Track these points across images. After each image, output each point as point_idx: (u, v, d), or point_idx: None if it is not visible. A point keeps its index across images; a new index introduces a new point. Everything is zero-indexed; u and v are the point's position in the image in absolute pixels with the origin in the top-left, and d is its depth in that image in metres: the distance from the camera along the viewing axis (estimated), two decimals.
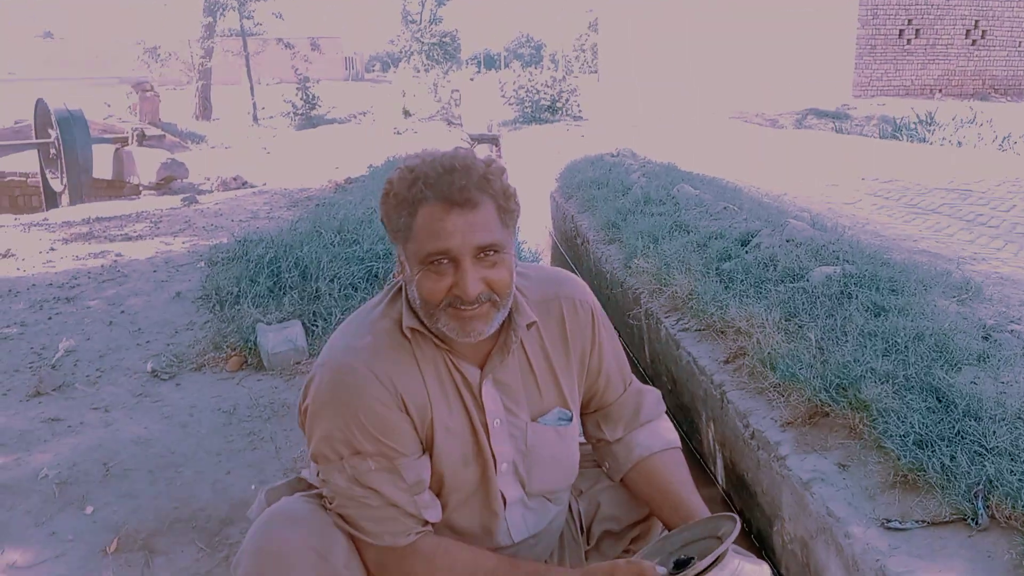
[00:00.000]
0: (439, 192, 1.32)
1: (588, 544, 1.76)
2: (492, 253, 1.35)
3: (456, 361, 1.45)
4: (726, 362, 3.32)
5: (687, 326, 3.83)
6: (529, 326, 1.50)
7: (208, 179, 10.62)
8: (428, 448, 1.45)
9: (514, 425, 1.50)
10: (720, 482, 3.24)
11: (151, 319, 4.33)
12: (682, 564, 1.28)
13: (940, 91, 20.12)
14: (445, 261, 1.34)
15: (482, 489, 1.50)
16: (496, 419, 1.48)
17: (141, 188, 10.56)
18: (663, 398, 1.77)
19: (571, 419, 1.57)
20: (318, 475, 1.46)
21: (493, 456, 1.48)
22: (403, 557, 1.41)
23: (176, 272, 5.26)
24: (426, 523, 1.44)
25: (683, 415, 3.75)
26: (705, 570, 1.25)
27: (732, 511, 2.67)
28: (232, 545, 2.39)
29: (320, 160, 12.20)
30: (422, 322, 1.42)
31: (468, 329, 1.37)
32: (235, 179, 10.12)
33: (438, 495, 1.48)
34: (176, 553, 2.36)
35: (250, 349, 3.65)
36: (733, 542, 1.28)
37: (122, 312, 4.48)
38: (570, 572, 1.38)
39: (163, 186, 10.22)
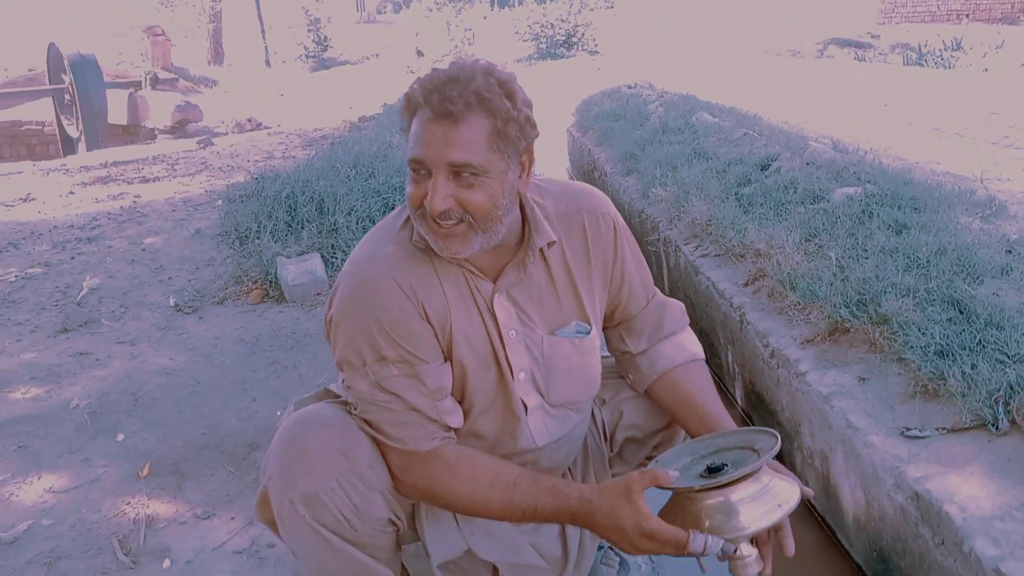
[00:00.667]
0: (429, 100, 1.30)
1: (611, 451, 1.78)
2: (469, 174, 1.31)
3: (470, 275, 1.46)
4: (745, 285, 3.30)
5: (706, 252, 3.81)
6: (550, 245, 1.50)
7: (223, 122, 10.59)
8: (448, 356, 1.46)
9: (529, 337, 1.51)
10: (739, 403, 3.26)
11: (172, 256, 4.37)
12: (715, 470, 1.27)
13: (967, 16, 19.50)
14: (423, 171, 1.32)
15: (502, 395, 1.51)
16: (511, 330, 1.49)
17: (156, 132, 10.56)
18: None
19: (589, 332, 1.57)
20: (343, 382, 1.48)
21: (509, 365, 1.49)
22: (426, 462, 1.43)
23: (195, 211, 5.28)
24: (448, 429, 1.46)
25: (702, 340, 3.74)
26: (738, 480, 1.23)
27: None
28: (260, 468, 2.45)
29: (334, 101, 12.13)
30: None
31: (443, 246, 1.36)
32: (250, 121, 10.09)
33: (460, 402, 1.50)
34: (206, 476, 2.42)
35: (271, 282, 3.68)
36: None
37: (143, 250, 4.52)
38: (588, 488, 1.38)
39: (178, 129, 10.21)
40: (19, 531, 2.17)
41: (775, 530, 1.33)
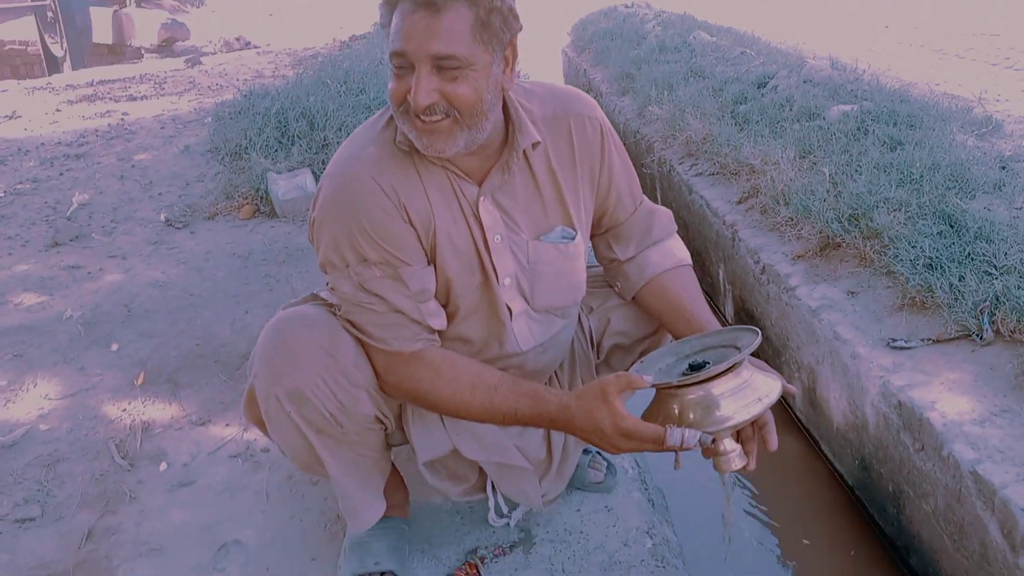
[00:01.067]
0: None
1: (598, 358, 1.79)
2: (454, 67, 1.27)
3: (455, 177, 1.44)
4: (739, 202, 3.30)
5: (700, 171, 3.79)
6: (535, 146, 1.47)
7: (211, 41, 10.35)
8: (432, 259, 1.46)
9: (514, 242, 1.50)
10: (730, 320, 3.29)
11: (161, 173, 4.32)
12: (697, 367, 1.27)
13: None
14: (406, 65, 1.28)
15: (487, 299, 1.51)
16: (496, 235, 1.48)
17: (143, 51, 10.31)
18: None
19: (574, 238, 1.57)
20: (327, 284, 1.48)
21: (495, 270, 1.49)
22: (409, 364, 1.44)
23: (184, 128, 5.21)
24: (432, 332, 1.46)
25: (695, 260, 3.75)
26: (719, 375, 1.24)
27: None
28: (247, 368, 2.48)
29: (324, 21, 11.84)
30: None
31: (427, 144, 1.32)
32: (238, 40, 9.86)
33: (445, 306, 1.50)
34: (200, 385, 2.44)
35: (261, 198, 3.66)
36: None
37: (132, 167, 4.47)
38: (566, 394, 1.38)
39: (165, 48, 9.98)
40: (17, 435, 2.20)
41: (758, 426, 1.34)
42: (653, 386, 1.29)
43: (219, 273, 3.13)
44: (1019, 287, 2.00)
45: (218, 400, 2.37)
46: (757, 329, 1.28)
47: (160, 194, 4.02)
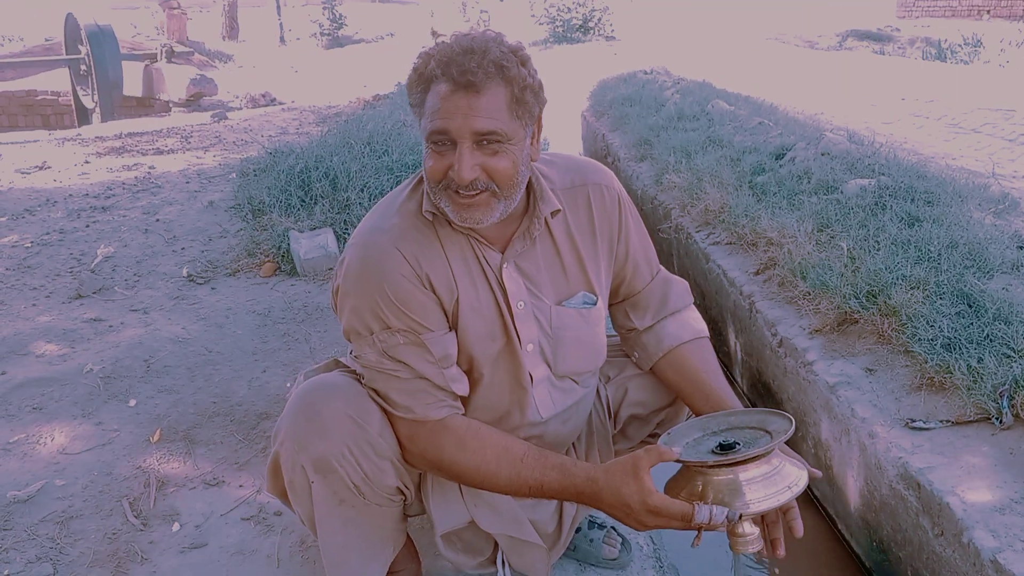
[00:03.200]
0: (448, 72, 1.31)
1: (615, 428, 1.80)
2: (494, 142, 1.33)
3: (478, 245, 1.47)
4: (756, 273, 3.31)
5: (718, 240, 3.82)
6: (554, 214, 1.51)
7: (237, 96, 10.59)
8: (454, 326, 1.48)
9: (538, 308, 1.53)
10: (746, 392, 3.28)
11: (185, 227, 4.39)
12: (727, 448, 1.28)
13: (989, 12, 19.27)
14: (447, 142, 1.34)
15: (510, 365, 1.53)
16: (520, 301, 1.50)
17: (171, 105, 10.56)
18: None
19: (596, 303, 1.59)
20: (351, 353, 1.50)
21: (518, 336, 1.51)
22: (434, 433, 1.45)
23: (208, 183, 5.31)
24: (456, 399, 1.48)
25: (711, 329, 3.76)
26: (750, 459, 1.24)
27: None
28: (269, 438, 2.48)
29: (348, 79, 12.11)
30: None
31: (466, 216, 1.38)
32: (264, 96, 10.08)
33: (468, 372, 1.51)
34: (216, 444, 2.45)
35: (283, 256, 3.71)
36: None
37: (157, 220, 4.55)
38: (594, 467, 1.39)
39: (192, 102, 10.21)
40: (33, 490, 2.21)
41: (784, 511, 1.34)
42: (683, 462, 1.29)
43: (238, 330, 3.16)
44: None
45: (232, 460, 2.37)
46: (790, 416, 1.29)
47: (183, 249, 4.08)
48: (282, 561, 1.94)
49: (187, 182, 5.41)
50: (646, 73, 8.50)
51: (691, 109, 5.87)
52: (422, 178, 1.49)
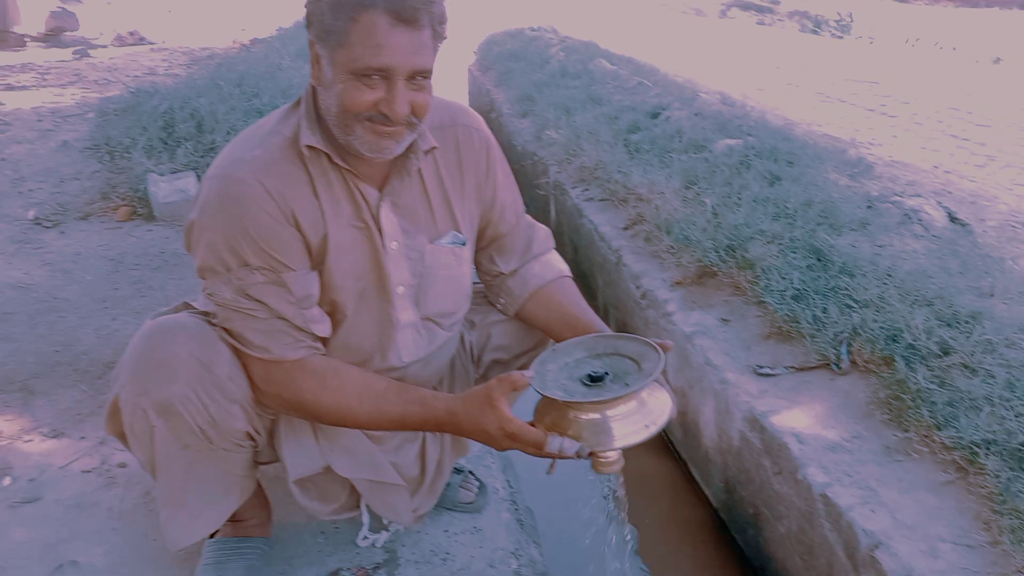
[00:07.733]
0: (390, 2, 1.25)
1: (478, 372, 1.79)
2: (422, 78, 1.30)
3: (355, 181, 1.42)
4: (625, 228, 3.37)
5: (592, 196, 3.86)
6: (428, 151, 1.48)
7: (102, 33, 9.89)
8: (319, 265, 1.42)
9: (411, 247, 1.49)
10: None
11: (34, 167, 4.09)
12: (596, 379, 1.28)
13: None
14: (376, 76, 1.28)
15: (375, 309, 1.49)
16: (393, 241, 1.46)
17: (26, 39, 9.76)
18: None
19: (465, 243, 1.57)
20: (204, 290, 1.42)
21: (389, 277, 1.47)
22: (292, 373, 1.40)
23: (63, 122, 4.95)
24: (315, 339, 1.43)
25: (582, 284, 3.82)
26: (616, 399, 1.24)
27: None
28: (112, 378, 2.36)
29: (227, 21, 11.52)
30: (324, 139, 1.37)
31: (381, 146, 1.34)
32: (132, 34, 9.46)
33: (331, 313, 1.46)
34: (57, 394, 2.31)
35: (140, 199, 3.50)
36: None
37: (2, 160, 4.21)
38: (453, 399, 1.39)
39: (51, 37, 9.49)
40: None
41: None
42: (539, 392, 1.29)
43: (88, 276, 2.97)
44: (874, 320, 2.11)
45: (74, 411, 2.24)
46: (660, 351, 1.29)
47: (30, 190, 3.80)
48: (124, 513, 1.85)
49: (39, 120, 5.03)
50: (533, 30, 8.47)
51: (575, 67, 5.89)
52: (294, 108, 1.41)
